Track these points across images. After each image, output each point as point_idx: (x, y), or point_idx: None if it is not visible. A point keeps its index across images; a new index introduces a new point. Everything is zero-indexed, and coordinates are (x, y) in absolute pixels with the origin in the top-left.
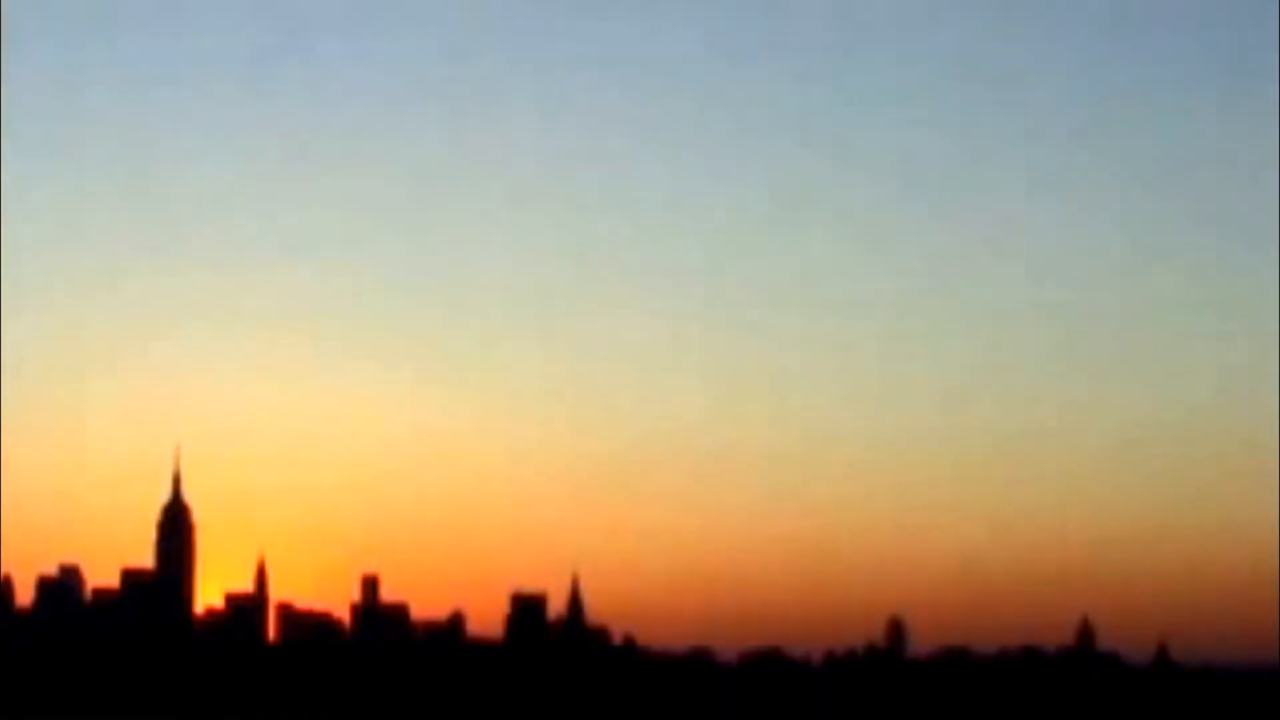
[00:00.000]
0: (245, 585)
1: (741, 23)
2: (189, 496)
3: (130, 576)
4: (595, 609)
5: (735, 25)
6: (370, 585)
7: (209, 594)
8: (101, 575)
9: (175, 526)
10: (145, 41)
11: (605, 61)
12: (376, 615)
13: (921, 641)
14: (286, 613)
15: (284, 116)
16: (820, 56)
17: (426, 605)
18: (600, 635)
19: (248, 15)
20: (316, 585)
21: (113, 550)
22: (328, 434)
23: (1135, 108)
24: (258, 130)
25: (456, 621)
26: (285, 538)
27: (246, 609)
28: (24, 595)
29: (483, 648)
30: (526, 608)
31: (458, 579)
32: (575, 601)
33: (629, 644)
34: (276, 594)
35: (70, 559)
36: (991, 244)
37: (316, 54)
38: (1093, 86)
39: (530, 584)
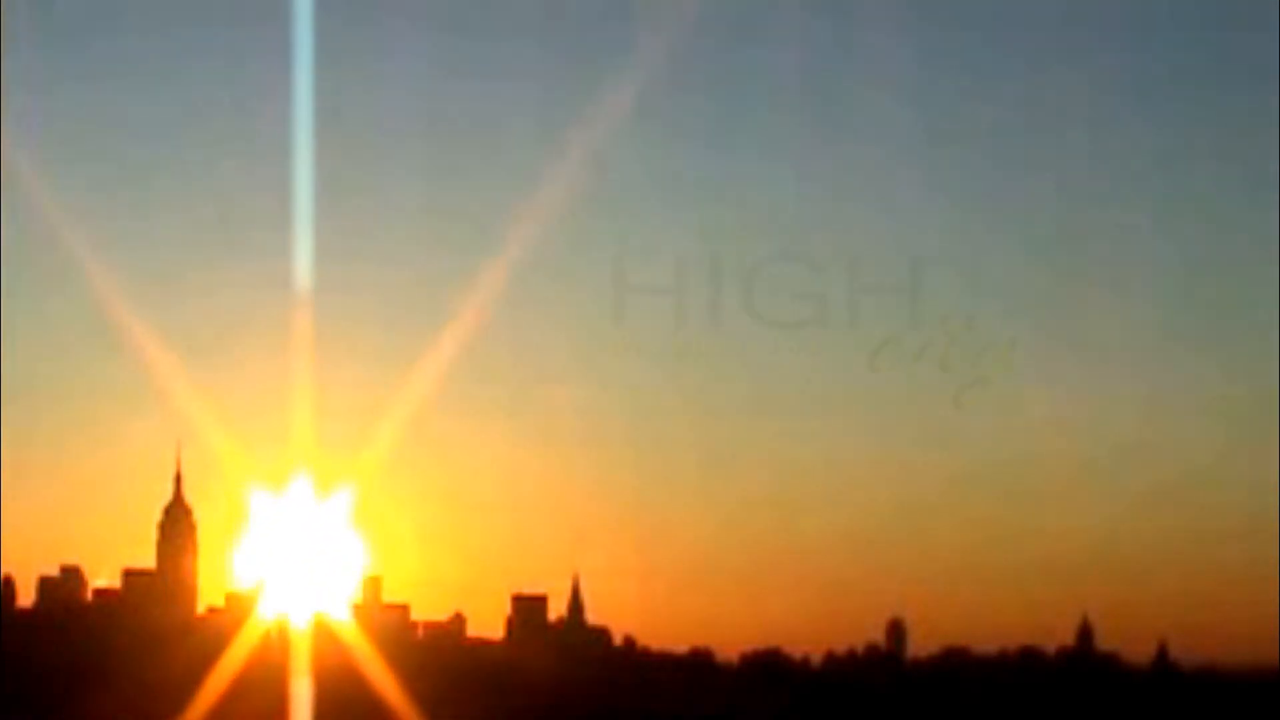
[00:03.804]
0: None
1: None
2: (190, 496)
3: (132, 577)
4: (595, 609)
5: None
6: (370, 585)
7: (210, 594)
8: (103, 575)
9: (176, 527)
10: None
11: None
12: (377, 616)
13: (921, 642)
14: None
15: (311, 117)
16: None
17: (427, 606)
18: (600, 635)
19: None
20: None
21: (114, 550)
22: (326, 433)
23: None
24: (267, 128)
25: (457, 623)
26: None
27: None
28: (25, 596)
29: (483, 649)
30: (527, 609)
31: (459, 580)
32: (576, 602)
33: (629, 644)
34: None
35: (71, 559)
36: (1001, 242)
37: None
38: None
39: (531, 585)
